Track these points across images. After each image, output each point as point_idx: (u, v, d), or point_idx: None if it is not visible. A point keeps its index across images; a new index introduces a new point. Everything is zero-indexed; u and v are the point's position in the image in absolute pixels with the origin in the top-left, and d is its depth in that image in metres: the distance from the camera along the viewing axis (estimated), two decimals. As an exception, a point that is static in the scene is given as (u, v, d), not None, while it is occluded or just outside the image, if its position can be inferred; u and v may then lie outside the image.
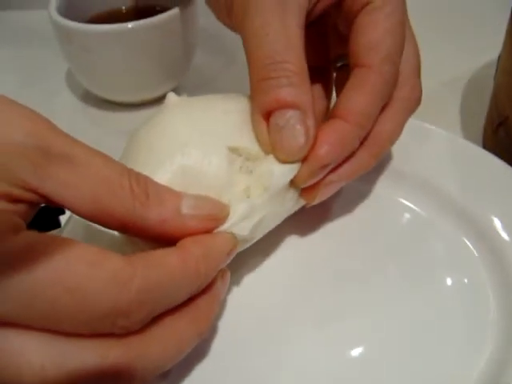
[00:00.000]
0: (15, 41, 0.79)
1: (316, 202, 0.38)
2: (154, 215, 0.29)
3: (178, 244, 0.30)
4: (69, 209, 0.28)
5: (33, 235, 0.26)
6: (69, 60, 0.60)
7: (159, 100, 0.62)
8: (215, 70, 0.69)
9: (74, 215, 0.28)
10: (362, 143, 0.38)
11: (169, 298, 0.29)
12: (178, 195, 0.30)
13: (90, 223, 0.29)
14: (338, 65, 0.45)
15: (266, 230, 0.37)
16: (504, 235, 0.40)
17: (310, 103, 0.35)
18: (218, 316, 0.37)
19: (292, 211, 0.39)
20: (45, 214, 0.35)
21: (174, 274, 0.28)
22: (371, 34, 0.37)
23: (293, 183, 0.36)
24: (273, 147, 0.35)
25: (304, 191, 0.37)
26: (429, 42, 0.67)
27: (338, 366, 0.35)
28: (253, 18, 0.35)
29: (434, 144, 0.47)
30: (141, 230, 0.29)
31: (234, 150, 0.35)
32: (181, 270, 0.29)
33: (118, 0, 0.62)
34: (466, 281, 0.39)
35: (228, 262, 0.33)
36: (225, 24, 0.44)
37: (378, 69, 0.36)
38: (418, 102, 0.41)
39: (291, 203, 0.37)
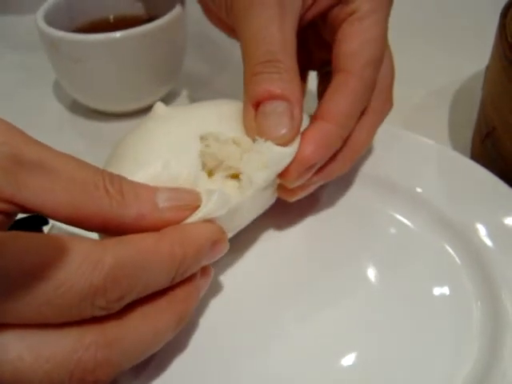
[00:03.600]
0: (1, 48, 0.78)
1: (294, 200, 0.40)
2: (132, 212, 0.29)
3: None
4: (46, 215, 0.28)
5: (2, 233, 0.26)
6: (56, 69, 0.60)
7: (148, 109, 0.62)
8: (207, 75, 0.69)
9: (56, 224, 0.28)
10: (340, 148, 0.40)
11: (144, 279, 0.29)
12: (152, 189, 0.31)
13: (73, 231, 0.29)
14: (323, 71, 0.47)
15: (246, 221, 0.37)
16: (488, 243, 0.40)
17: (299, 98, 0.37)
18: (199, 313, 0.38)
19: (271, 201, 0.40)
20: (28, 225, 0.34)
21: (146, 252, 0.29)
22: (353, 42, 0.39)
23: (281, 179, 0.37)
24: (258, 131, 0.36)
25: (284, 190, 0.38)
26: (417, 52, 0.68)
27: (322, 372, 0.35)
28: (253, 20, 0.38)
29: (421, 154, 0.47)
30: (120, 229, 0.29)
31: (205, 137, 0.36)
32: (154, 249, 0.29)
33: (106, 9, 0.62)
34: (449, 289, 0.39)
35: (216, 256, 0.33)
36: (212, 21, 0.46)
37: (358, 74, 0.39)
38: (388, 113, 0.44)
39: (269, 192, 0.38)
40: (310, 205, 0.45)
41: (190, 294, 0.32)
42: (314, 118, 0.39)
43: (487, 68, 0.51)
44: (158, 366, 0.35)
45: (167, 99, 0.64)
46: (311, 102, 0.47)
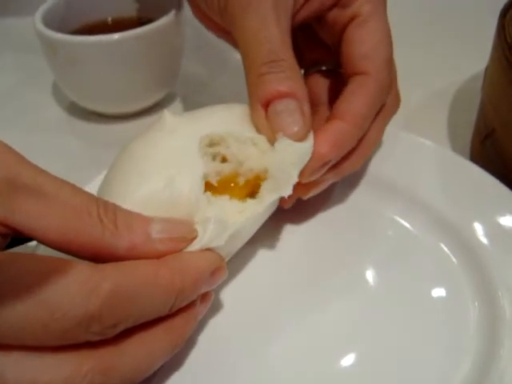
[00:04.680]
0: (0, 49, 0.78)
1: (307, 197, 0.41)
2: (124, 243, 0.29)
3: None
4: (38, 239, 0.27)
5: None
6: (54, 72, 0.59)
7: (146, 111, 0.62)
8: (205, 77, 0.69)
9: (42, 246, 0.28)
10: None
11: (141, 307, 0.29)
12: (146, 220, 0.30)
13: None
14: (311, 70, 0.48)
15: (245, 240, 0.37)
16: (485, 243, 0.40)
17: (305, 94, 0.38)
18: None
19: (269, 213, 0.39)
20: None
21: (145, 280, 0.28)
22: (366, 45, 0.40)
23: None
24: (273, 130, 0.37)
25: (298, 187, 0.38)
26: (416, 53, 0.68)
27: (321, 372, 0.35)
28: (251, 21, 0.38)
29: (421, 156, 0.47)
30: (112, 258, 0.29)
31: (223, 138, 0.36)
32: (153, 278, 0.29)
33: (104, 11, 0.62)
34: (446, 289, 0.39)
35: (215, 284, 0.33)
36: (201, 21, 0.47)
37: (374, 76, 0.40)
38: (398, 108, 0.44)
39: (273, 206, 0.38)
40: (309, 207, 0.45)
41: (188, 322, 0.32)
42: (330, 118, 0.39)
43: (487, 69, 0.50)
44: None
45: (165, 101, 0.64)
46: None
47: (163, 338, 0.31)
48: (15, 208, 0.26)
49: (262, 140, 0.37)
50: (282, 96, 0.37)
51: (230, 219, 0.34)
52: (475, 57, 0.57)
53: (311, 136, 0.37)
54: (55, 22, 0.57)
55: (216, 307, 0.38)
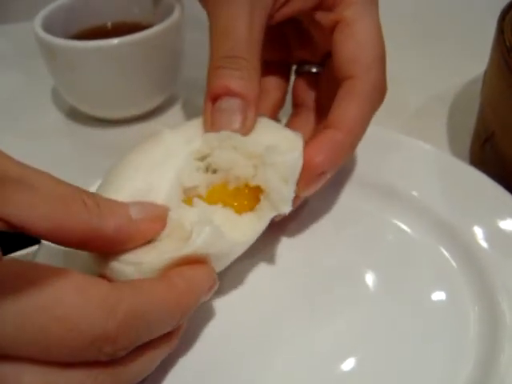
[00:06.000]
0: (0, 54, 0.78)
1: (306, 194, 0.40)
2: (110, 224, 0.30)
3: (163, 274, 0.31)
4: (29, 230, 0.27)
5: (17, 263, 0.26)
6: (54, 76, 0.59)
7: (146, 116, 0.62)
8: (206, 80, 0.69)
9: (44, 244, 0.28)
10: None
11: (153, 327, 0.29)
12: (124, 204, 0.32)
13: (60, 251, 0.30)
14: (300, 71, 0.48)
15: (242, 251, 0.37)
16: (485, 247, 0.40)
17: (255, 98, 0.38)
18: (200, 325, 0.38)
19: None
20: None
21: (157, 302, 0.29)
22: (349, 47, 0.40)
23: None
24: (211, 125, 0.37)
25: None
26: (415, 57, 0.68)
27: (323, 378, 0.35)
28: (222, 13, 0.38)
29: (420, 159, 0.47)
30: (99, 241, 0.30)
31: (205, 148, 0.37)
32: (164, 299, 0.30)
33: (104, 16, 0.62)
34: (446, 293, 0.39)
35: (207, 298, 0.34)
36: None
37: (362, 77, 0.39)
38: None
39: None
40: (308, 211, 0.45)
41: (182, 326, 0.33)
42: (324, 127, 0.39)
43: (485, 72, 0.50)
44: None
45: (166, 105, 0.64)
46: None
47: (164, 346, 0.32)
48: (5, 200, 0.26)
49: (240, 143, 0.37)
50: (229, 93, 0.37)
51: (224, 229, 0.34)
52: (474, 60, 0.57)
53: (300, 144, 0.37)
54: (55, 26, 0.57)
55: (215, 319, 0.38)
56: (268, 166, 0.35)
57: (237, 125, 0.37)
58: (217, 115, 0.37)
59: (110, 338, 0.26)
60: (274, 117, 0.46)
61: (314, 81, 0.47)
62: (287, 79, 0.49)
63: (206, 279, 0.33)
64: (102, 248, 0.31)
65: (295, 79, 0.48)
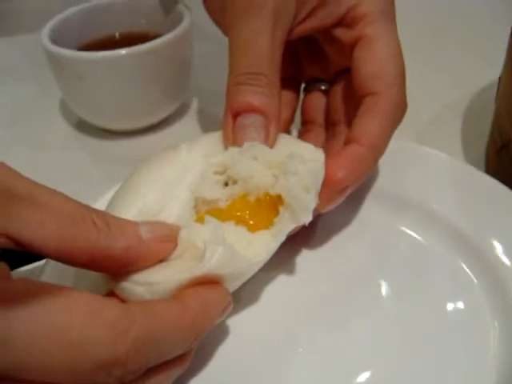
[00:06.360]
0: (7, 67, 0.78)
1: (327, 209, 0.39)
2: (119, 244, 0.29)
3: (176, 295, 0.31)
4: (37, 249, 0.27)
5: (26, 283, 0.26)
6: (61, 88, 0.59)
7: (156, 127, 0.62)
8: (217, 89, 0.68)
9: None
10: None
11: (165, 351, 0.29)
12: (134, 223, 0.31)
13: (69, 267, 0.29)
14: (310, 88, 0.48)
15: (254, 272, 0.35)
16: (506, 261, 0.38)
17: (277, 114, 0.38)
18: (212, 338, 0.37)
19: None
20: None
21: (170, 326, 0.29)
22: (371, 65, 0.40)
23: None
24: (234, 141, 0.37)
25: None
26: (429, 64, 0.67)
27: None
28: (244, 28, 0.38)
29: (434, 168, 0.45)
30: (108, 261, 0.29)
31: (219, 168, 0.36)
32: (177, 323, 0.29)
33: (112, 27, 0.62)
34: (465, 309, 0.38)
35: (222, 318, 0.33)
36: (217, 24, 0.46)
37: (385, 93, 0.39)
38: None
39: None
40: (323, 223, 0.44)
41: (195, 348, 0.32)
42: (345, 142, 0.39)
43: (500, 79, 0.49)
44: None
45: (176, 115, 0.63)
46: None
47: (175, 368, 0.31)
48: (13, 218, 0.26)
49: (261, 152, 0.36)
50: (252, 110, 0.37)
51: (237, 247, 0.33)
52: (488, 67, 0.56)
53: (322, 156, 0.37)
54: (62, 38, 0.57)
55: (227, 328, 0.38)
56: (290, 174, 0.35)
57: (260, 141, 0.36)
58: (239, 131, 0.37)
59: (120, 362, 0.26)
60: (286, 130, 0.46)
61: (323, 97, 0.47)
62: (297, 96, 0.49)
63: (221, 301, 0.32)
64: (111, 268, 0.30)
65: (304, 96, 0.48)
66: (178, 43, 0.56)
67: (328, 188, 0.36)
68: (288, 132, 0.47)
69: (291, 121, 0.48)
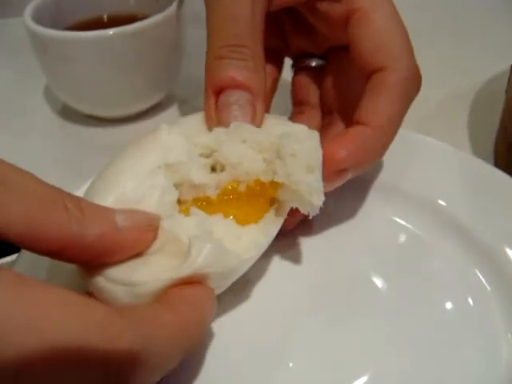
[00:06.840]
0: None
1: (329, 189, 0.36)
2: (93, 230, 0.27)
3: (161, 298, 0.28)
4: (1, 235, 0.25)
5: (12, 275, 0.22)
6: (45, 71, 0.56)
7: (142, 115, 0.59)
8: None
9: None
10: None
11: (159, 359, 0.25)
12: (110, 209, 0.29)
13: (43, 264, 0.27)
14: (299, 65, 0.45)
15: (245, 269, 0.33)
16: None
17: (262, 89, 0.35)
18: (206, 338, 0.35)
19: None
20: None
21: (166, 335, 0.26)
22: (372, 38, 0.36)
23: None
24: (218, 121, 0.34)
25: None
26: (435, 51, 0.65)
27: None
28: None
29: (440, 160, 0.43)
30: (79, 250, 0.27)
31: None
32: (172, 332, 0.26)
33: (99, 8, 0.59)
34: (477, 318, 0.35)
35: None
36: None
37: (393, 67, 0.36)
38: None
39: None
40: (319, 217, 0.41)
41: None
42: (353, 123, 0.36)
43: (512, 67, 0.47)
44: None
45: (163, 104, 0.61)
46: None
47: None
48: None
49: (250, 134, 0.33)
50: (236, 86, 0.34)
51: (227, 242, 0.30)
52: (499, 55, 0.54)
53: (316, 135, 0.34)
54: (47, 18, 0.54)
55: (224, 327, 0.35)
56: (287, 156, 0.32)
57: (246, 120, 0.34)
58: (223, 110, 0.34)
59: (112, 369, 0.23)
60: (267, 105, 0.42)
61: (315, 76, 0.44)
62: (278, 67, 0.45)
63: (210, 302, 0.29)
64: (83, 258, 0.28)
65: (294, 75, 0.45)
66: (166, 25, 0.53)
67: (325, 168, 0.33)
68: (269, 103, 0.44)
69: (272, 91, 0.44)
